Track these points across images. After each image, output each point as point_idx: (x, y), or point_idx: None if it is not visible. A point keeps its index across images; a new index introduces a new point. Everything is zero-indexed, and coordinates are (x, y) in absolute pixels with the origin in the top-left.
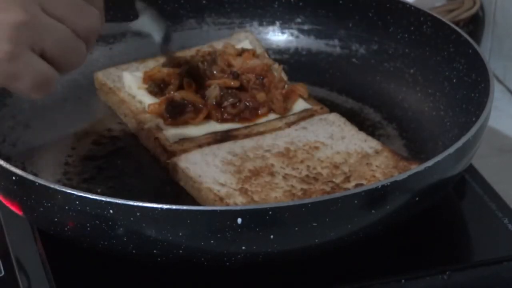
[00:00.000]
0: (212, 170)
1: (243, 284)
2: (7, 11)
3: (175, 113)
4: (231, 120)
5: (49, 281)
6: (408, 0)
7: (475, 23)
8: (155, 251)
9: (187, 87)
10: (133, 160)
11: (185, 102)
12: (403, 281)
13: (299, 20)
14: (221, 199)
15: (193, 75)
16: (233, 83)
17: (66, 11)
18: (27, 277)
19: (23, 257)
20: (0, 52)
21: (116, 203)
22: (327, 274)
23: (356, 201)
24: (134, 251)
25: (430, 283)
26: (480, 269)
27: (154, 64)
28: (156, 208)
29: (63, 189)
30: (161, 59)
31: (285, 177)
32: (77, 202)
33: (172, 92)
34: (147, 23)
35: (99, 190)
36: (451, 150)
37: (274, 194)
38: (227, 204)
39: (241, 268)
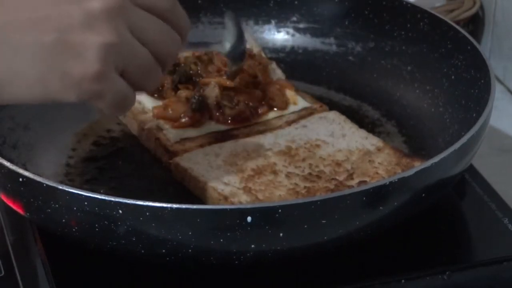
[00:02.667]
0: (215, 170)
1: (243, 284)
2: (100, 33)
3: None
4: (232, 120)
5: (49, 281)
6: (409, 0)
7: (475, 23)
8: (164, 251)
9: (186, 89)
10: (134, 160)
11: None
12: (403, 281)
13: (294, 18)
14: (226, 198)
15: (187, 78)
16: (229, 83)
17: (152, 36)
18: (27, 277)
19: (23, 257)
20: (89, 71)
21: (126, 203)
22: (327, 274)
23: (364, 198)
24: (142, 251)
25: (430, 283)
26: (480, 269)
27: None
28: (166, 208)
29: (72, 190)
30: None
31: (288, 175)
32: (85, 203)
33: (169, 93)
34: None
35: (102, 191)
36: (456, 146)
37: (278, 192)
38: (232, 203)
39: (244, 268)
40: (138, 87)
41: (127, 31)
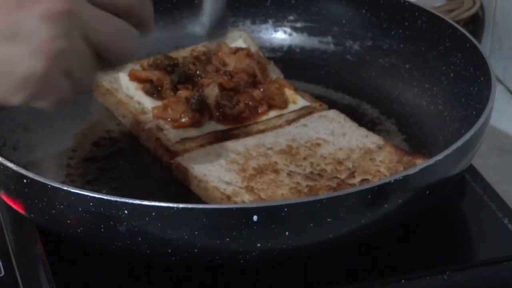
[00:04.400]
0: (217, 169)
1: (248, 284)
2: (49, 36)
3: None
4: (232, 120)
5: (49, 281)
6: (409, 0)
7: (475, 23)
8: (169, 251)
9: (185, 89)
10: (134, 160)
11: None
12: (403, 281)
13: (291, 17)
14: (228, 197)
15: (186, 78)
16: (228, 82)
17: (104, 37)
18: (27, 277)
19: (23, 257)
20: (35, 72)
21: (131, 203)
22: (327, 274)
23: (369, 196)
24: (148, 252)
25: (430, 283)
26: (480, 269)
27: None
28: (172, 208)
29: (77, 191)
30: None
31: (290, 174)
32: (91, 203)
33: (169, 93)
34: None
35: (103, 192)
36: (459, 143)
37: (280, 191)
38: (235, 202)
39: (249, 268)
40: (78, 87)
41: (76, 33)
